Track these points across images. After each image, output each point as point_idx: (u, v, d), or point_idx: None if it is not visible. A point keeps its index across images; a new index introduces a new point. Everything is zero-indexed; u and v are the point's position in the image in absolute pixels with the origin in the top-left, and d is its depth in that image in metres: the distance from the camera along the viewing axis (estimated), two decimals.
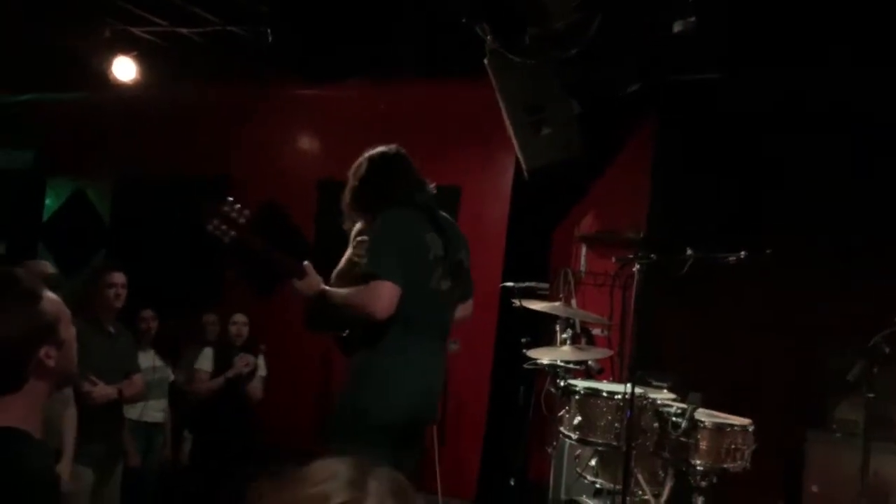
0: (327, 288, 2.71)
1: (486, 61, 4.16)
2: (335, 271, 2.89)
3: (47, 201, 6.87)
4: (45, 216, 6.84)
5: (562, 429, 3.54)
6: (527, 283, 4.17)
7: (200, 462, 4.75)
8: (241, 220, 2.63)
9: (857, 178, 4.31)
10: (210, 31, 5.05)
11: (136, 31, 5.20)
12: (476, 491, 4.83)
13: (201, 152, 5.97)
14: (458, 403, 4.90)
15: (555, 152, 4.32)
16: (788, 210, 4.46)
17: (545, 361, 3.86)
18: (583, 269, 5.11)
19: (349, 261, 2.92)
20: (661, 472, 3.44)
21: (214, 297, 5.62)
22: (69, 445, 3.32)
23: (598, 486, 3.57)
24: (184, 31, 5.13)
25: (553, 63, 4.13)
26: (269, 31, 3.69)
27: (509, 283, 4.21)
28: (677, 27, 3.71)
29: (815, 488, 3.99)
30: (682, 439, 3.19)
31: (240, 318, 4.92)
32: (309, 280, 2.68)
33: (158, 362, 4.60)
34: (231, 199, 2.65)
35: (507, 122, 4.32)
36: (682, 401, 3.39)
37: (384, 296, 2.56)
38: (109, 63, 5.28)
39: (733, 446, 3.22)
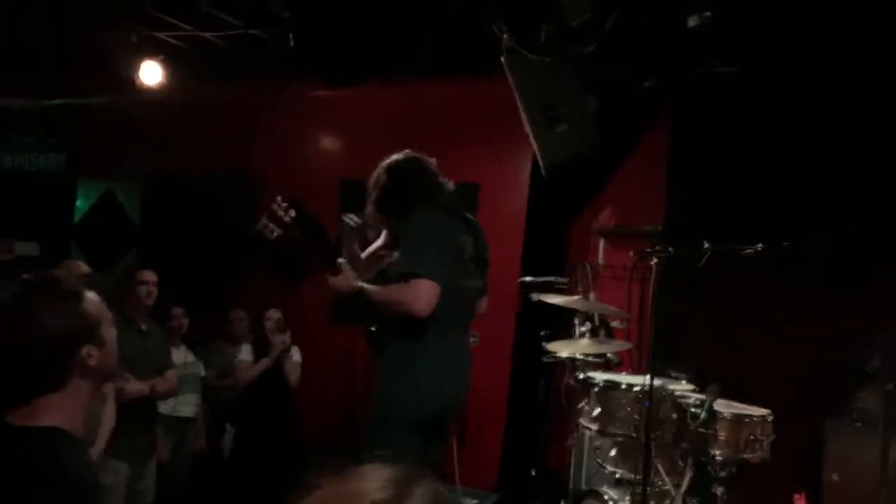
0: (365, 285, 2.76)
1: (502, 59, 4.22)
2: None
3: (78, 203, 7.05)
4: (77, 218, 7.02)
5: (581, 420, 3.59)
6: (545, 278, 4.22)
7: (242, 454, 4.85)
8: (287, 219, 2.72)
9: (876, 170, 4.30)
10: (233, 35, 5.15)
11: (161, 35, 5.33)
12: (497, 482, 4.90)
13: (226, 152, 6.09)
14: (479, 397, 4.94)
15: (571, 148, 4.36)
16: (807, 202, 4.46)
17: (564, 354, 3.91)
18: (601, 262, 5.15)
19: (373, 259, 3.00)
20: (680, 463, 3.47)
21: (241, 292, 5.74)
22: (103, 439, 3.45)
23: (618, 476, 3.61)
24: (207, 35, 5.24)
25: (569, 60, 4.17)
26: (290, 35, 3.77)
27: (528, 278, 4.27)
28: (692, 22, 3.73)
29: (835, 477, 4.01)
30: (701, 430, 3.22)
31: (274, 313, 5.04)
32: (345, 277, 2.74)
33: (190, 358, 4.72)
34: (279, 197, 2.74)
35: (524, 119, 4.37)
36: (700, 392, 3.42)
37: (425, 294, 2.61)
38: (136, 67, 5.40)
39: (752, 437, 3.24)
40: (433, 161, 3.00)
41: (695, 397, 3.35)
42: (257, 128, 6.08)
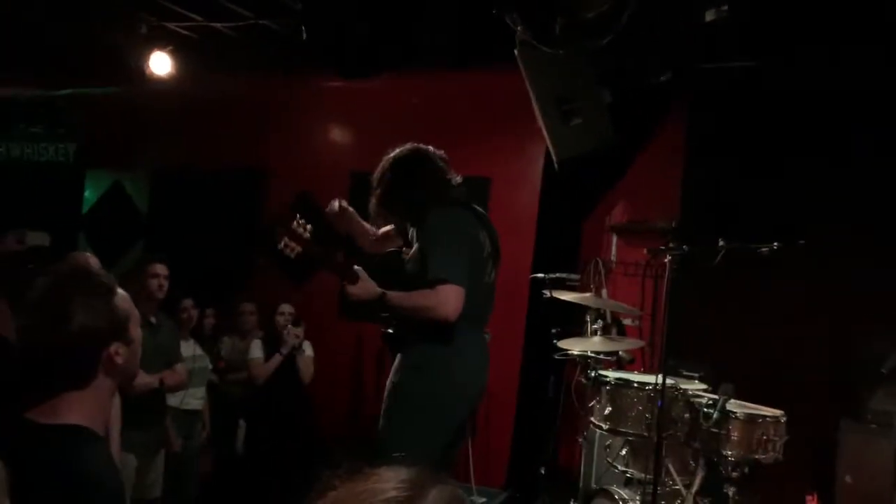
0: (387, 292, 2.71)
1: (516, 52, 4.16)
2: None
3: (86, 194, 7.05)
4: (85, 208, 7.02)
5: (592, 419, 3.57)
6: (557, 274, 4.18)
7: (255, 450, 4.82)
8: (306, 235, 2.69)
9: (893, 166, 4.24)
10: (243, 26, 5.12)
11: (171, 26, 5.30)
12: (506, 480, 4.88)
13: (236, 144, 6.08)
14: (489, 393, 4.90)
15: (585, 142, 4.31)
16: (822, 199, 4.40)
17: (576, 352, 3.88)
18: (613, 259, 5.11)
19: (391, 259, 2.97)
20: (692, 462, 3.44)
21: (249, 285, 5.74)
22: (115, 437, 3.43)
23: (628, 475, 3.59)
24: (218, 25, 5.21)
25: (584, 53, 4.11)
26: (302, 28, 3.74)
27: (540, 274, 4.23)
28: (709, 16, 3.67)
29: (848, 479, 3.97)
30: (714, 430, 3.19)
31: (286, 307, 5.02)
32: (363, 284, 2.69)
33: (198, 351, 4.71)
34: (297, 214, 2.72)
35: (538, 113, 4.32)
36: (713, 391, 3.38)
37: (453, 300, 2.59)
38: (146, 58, 5.37)
39: (765, 437, 3.20)
40: (441, 153, 2.92)
41: (707, 397, 3.32)
42: (268, 118, 6.06)
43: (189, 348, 4.60)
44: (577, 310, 4.11)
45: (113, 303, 1.44)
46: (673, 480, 3.37)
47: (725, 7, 3.69)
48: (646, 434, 3.28)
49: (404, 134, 3.06)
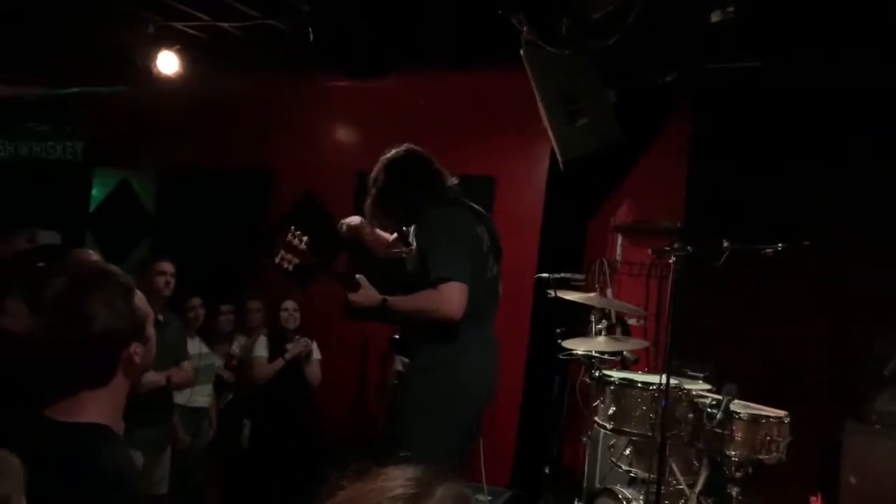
0: (388, 298, 2.71)
1: (521, 52, 4.17)
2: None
3: (94, 192, 7.09)
4: (92, 207, 7.06)
5: (596, 419, 3.58)
6: (562, 274, 4.19)
7: (259, 449, 4.84)
8: (302, 247, 2.70)
9: (894, 165, 4.23)
10: (250, 26, 5.14)
11: (178, 25, 5.32)
12: (510, 479, 4.89)
13: (243, 143, 6.10)
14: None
15: (590, 142, 4.31)
16: (823, 198, 4.40)
17: (580, 352, 3.89)
18: (618, 259, 5.11)
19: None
20: (695, 462, 3.45)
21: (255, 284, 5.76)
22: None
23: (632, 475, 3.60)
24: (225, 25, 5.23)
25: (589, 53, 4.12)
26: (309, 29, 3.76)
27: (544, 274, 4.24)
28: (715, 17, 3.67)
29: (852, 479, 3.97)
30: (717, 430, 3.20)
31: (290, 304, 5.04)
32: (365, 292, 2.70)
33: (205, 349, 4.74)
34: (293, 227, 2.72)
35: (543, 113, 4.32)
36: (717, 392, 3.39)
37: (456, 298, 2.59)
38: (153, 57, 5.40)
39: (769, 438, 3.21)
40: (433, 158, 2.94)
41: (711, 397, 3.33)
42: (274, 118, 6.08)
43: (195, 346, 4.64)
44: (582, 310, 4.12)
45: (133, 303, 1.46)
46: (676, 480, 3.38)
47: (731, 8, 3.69)
48: (649, 434, 3.29)
49: (410, 134, 3.08)
